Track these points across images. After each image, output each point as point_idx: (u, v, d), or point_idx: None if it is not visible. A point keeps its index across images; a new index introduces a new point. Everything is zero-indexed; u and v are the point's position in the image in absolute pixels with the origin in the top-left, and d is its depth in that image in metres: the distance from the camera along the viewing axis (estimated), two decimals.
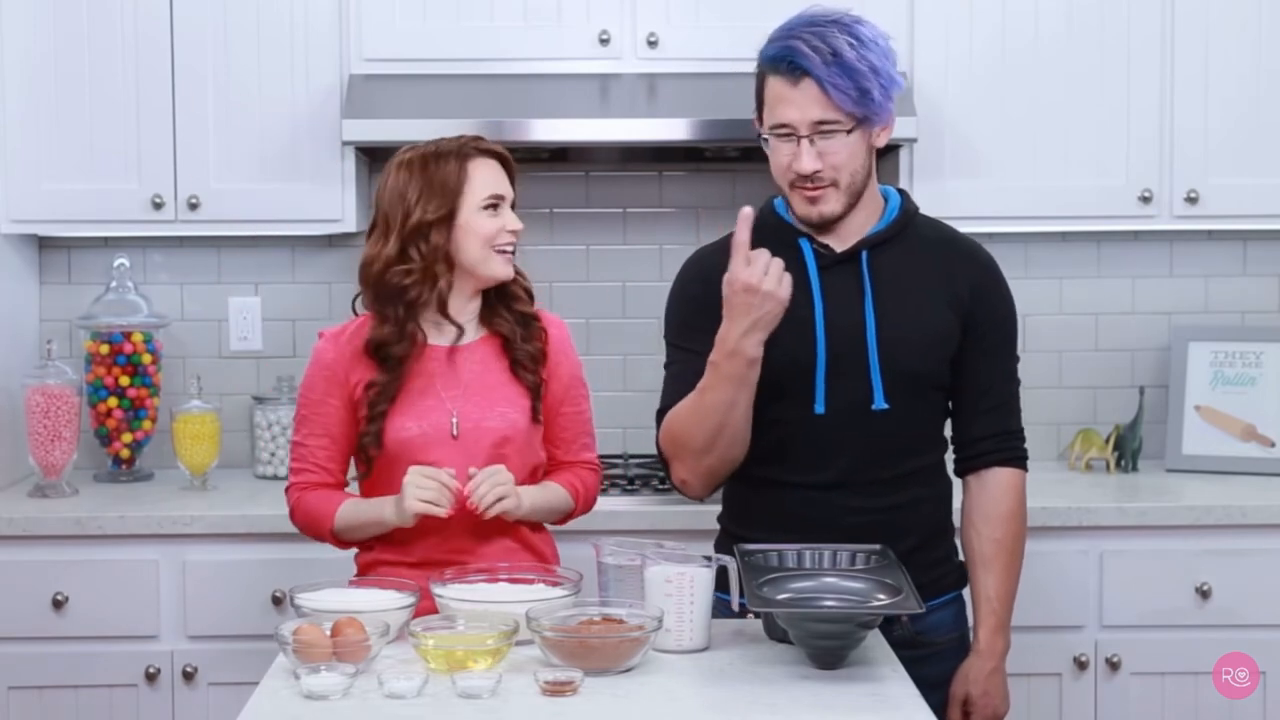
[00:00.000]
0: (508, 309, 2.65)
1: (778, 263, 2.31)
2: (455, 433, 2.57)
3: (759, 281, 2.29)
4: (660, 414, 2.52)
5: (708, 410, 2.40)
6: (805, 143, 2.38)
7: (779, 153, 2.42)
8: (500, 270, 2.60)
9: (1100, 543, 3.36)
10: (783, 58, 2.38)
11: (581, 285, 3.93)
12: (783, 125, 2.40)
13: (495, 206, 2.59)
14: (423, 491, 2.47)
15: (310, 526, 2.63)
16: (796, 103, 2.37)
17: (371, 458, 2.59)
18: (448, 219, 2.56)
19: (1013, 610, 2.54)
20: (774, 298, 2.30)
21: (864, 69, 2.35)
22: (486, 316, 2.65)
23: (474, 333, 2.65)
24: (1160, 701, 3.38)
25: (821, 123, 2.37)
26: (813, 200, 2.42)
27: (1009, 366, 2.57)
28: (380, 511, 2.55)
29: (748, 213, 2.33)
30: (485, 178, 2.59)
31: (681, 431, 2.45)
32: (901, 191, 2.57)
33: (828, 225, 2.46)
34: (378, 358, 2.58)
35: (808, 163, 2.38)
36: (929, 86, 3.59)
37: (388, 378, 2.57)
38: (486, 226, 2.58)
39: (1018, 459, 2.56)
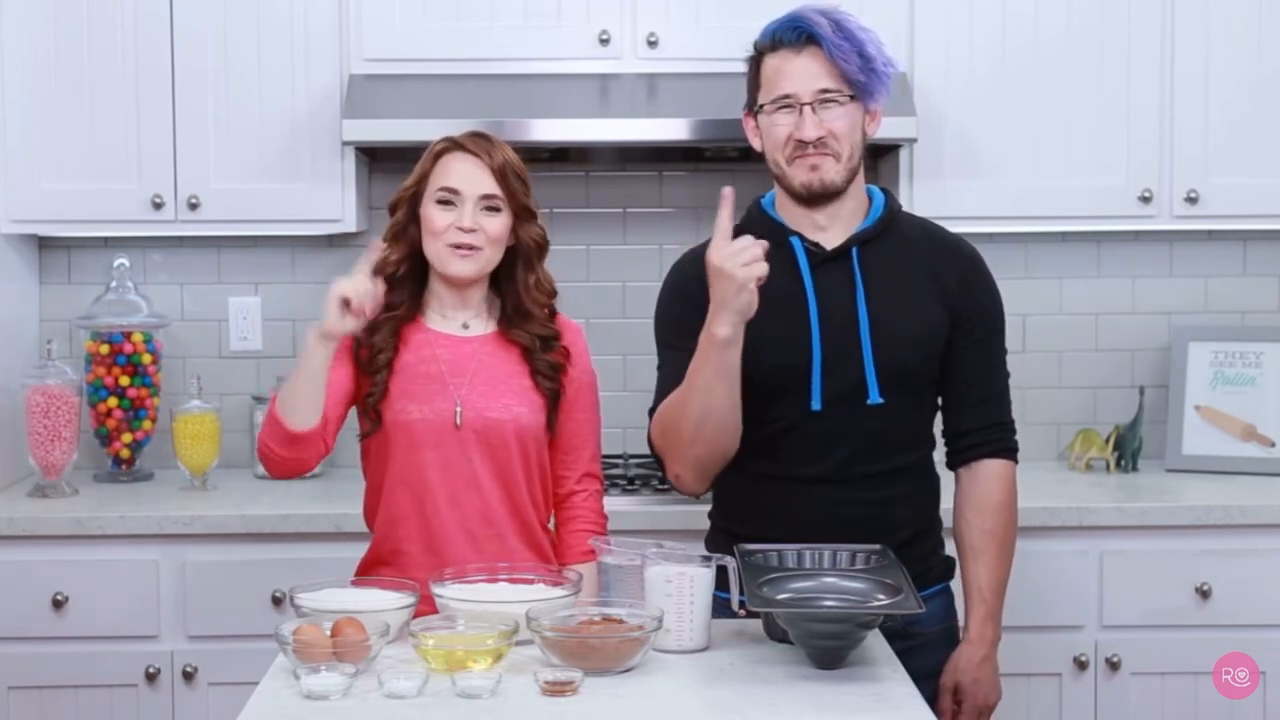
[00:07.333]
0: (527, 322, 2.63)
1: (753, 248, 2.27)
2: (459, 422, 2.57)
3: (719, 260, 2.27)
4: (652, 413, 2.53)
5: (692, 393, 2.38)
6: (808, 110, 2.42)
7: (777, 126, 2.45)
8: (454, 268, 2.57)
9: (1100, 543, 3.36)
10: (789, 26, 2.44)
11: (581, 285, 3.92)
12: (784, 96, 2.44)
13: (448, 202, 2.57)
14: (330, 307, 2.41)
15: (271, 425, 2.50)
16: (799, 73, 2.43)
17: (379, 412, 2.56)
18: (412, 210, 2.59)
19: (1003, 600, 2.56)
20: (734, 279, 2.26)
21: (865, 39, 2.44)
22: (504, 326, 2.64)
23: (484, 326, 2.64)
24: (1160, 701, 3.37)
25: (824, 90, 2.42)
26: (814, 166, 2.44)
27: (997, 359, 2.59)
28: (305, 354, 2.45)
29: (728, 192, 2.31)
30: (447, 170, 2.58)
31: (669, 422, 2.45)
32: (885, 190, 2.60)
33: (826, 198, 2.47)
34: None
35: (810, 129, 2.42)
36: (929, 86, 3.58)
37: (384, 339, 2.57)
38: (436, 220, 2.56)
39: (1008, 450, 2.59)
